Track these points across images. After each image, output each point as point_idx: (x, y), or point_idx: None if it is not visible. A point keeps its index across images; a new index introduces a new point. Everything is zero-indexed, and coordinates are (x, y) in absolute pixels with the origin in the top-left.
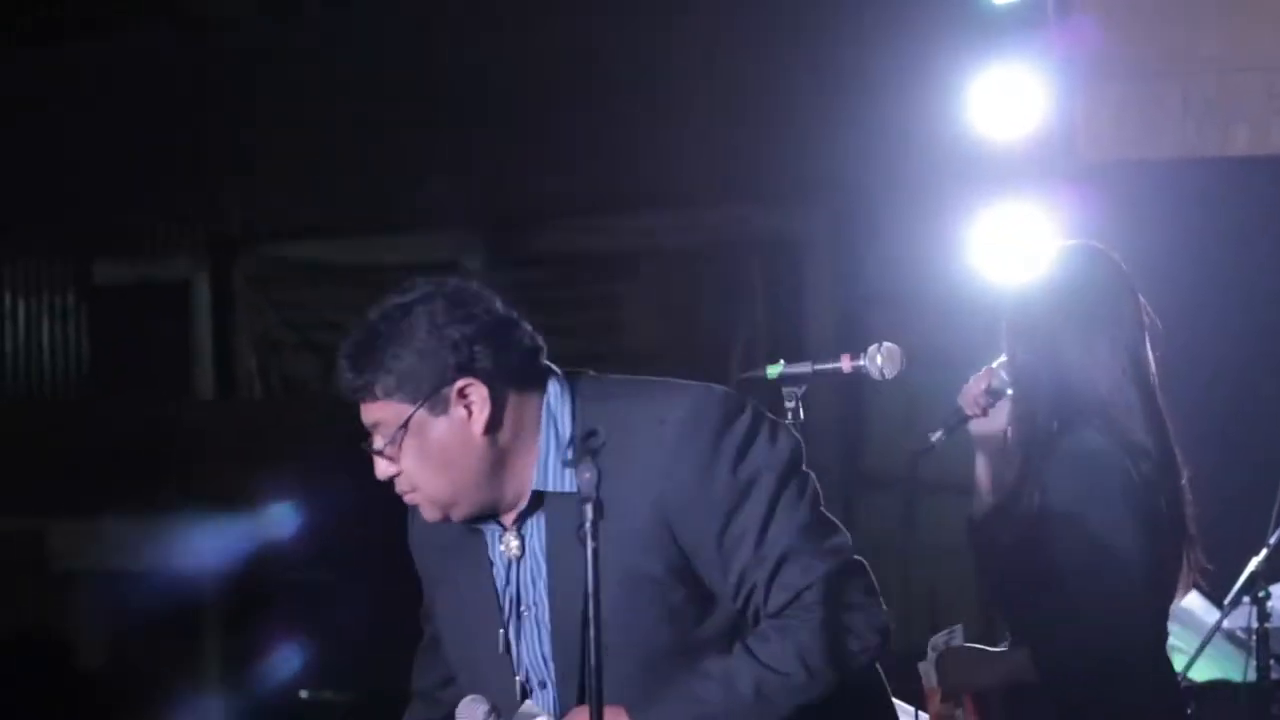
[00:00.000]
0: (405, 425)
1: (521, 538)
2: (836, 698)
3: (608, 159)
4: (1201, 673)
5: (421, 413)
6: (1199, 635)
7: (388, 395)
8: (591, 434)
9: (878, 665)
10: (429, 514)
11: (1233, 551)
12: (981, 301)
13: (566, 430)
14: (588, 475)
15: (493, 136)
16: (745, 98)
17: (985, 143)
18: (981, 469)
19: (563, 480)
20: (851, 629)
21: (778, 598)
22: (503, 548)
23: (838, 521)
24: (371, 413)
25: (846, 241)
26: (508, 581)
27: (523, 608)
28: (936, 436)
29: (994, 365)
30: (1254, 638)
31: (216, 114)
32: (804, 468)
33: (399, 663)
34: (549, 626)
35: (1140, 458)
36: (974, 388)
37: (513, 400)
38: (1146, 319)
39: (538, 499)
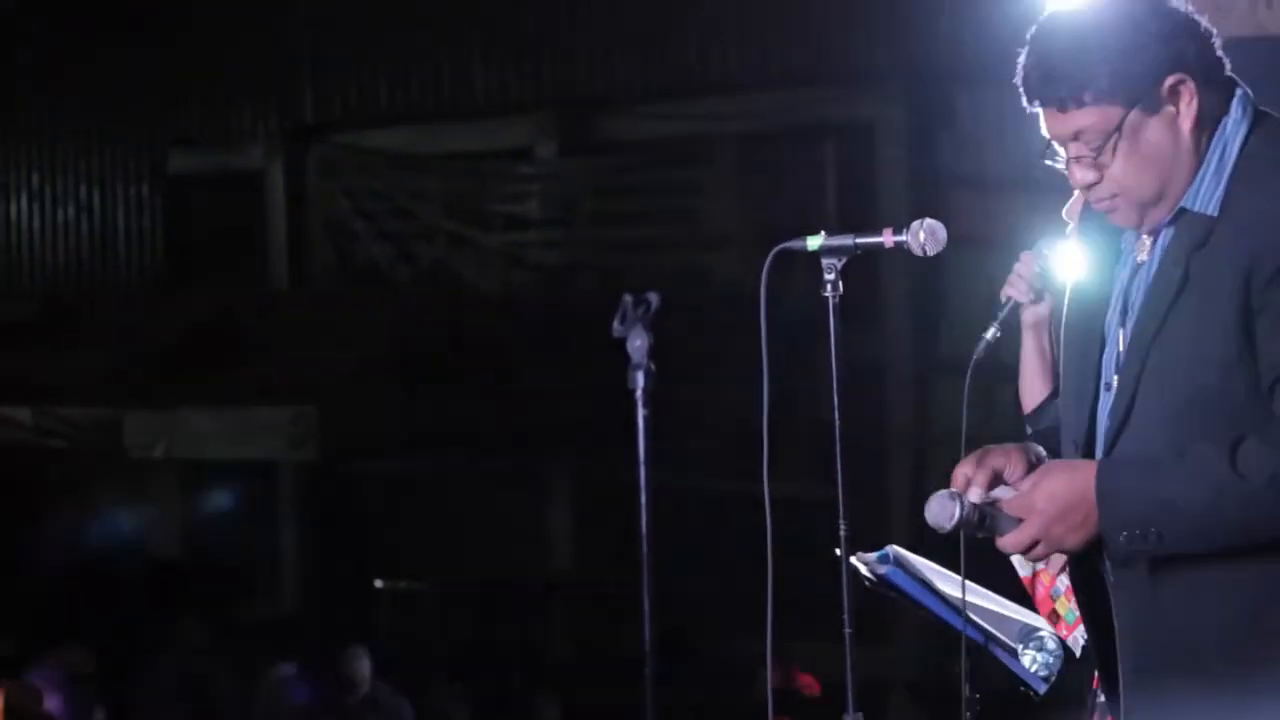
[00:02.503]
0: (1119, 128)
1: (1153, 244)
2: None
3: (681, 43)
4: None
5: (1134, 113)
6: None
7: (1097, 100)
8: (1249, 161)
9: None
10: (1126, 218)
11: None
12: (1056, 184)
13: (1231, 155)
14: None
15: (566, 21)
16: None
17: None
18: (1031, 354)
19: (1208, 202)
20: None
21: None
22: (1137, 251)
23: None
24: (1074, 120)
25: (921, 125)
26: (1127, 284)
27: (1127, 314)
28: (991, 333)
29: (1037, 248)
30: None
31: (291, 5)
32: None
33: (470, 555)
34: (1129, 333)
35: None
36: (1023, 273)
37: (1207, 103)
38: None
39: (1178, 213)
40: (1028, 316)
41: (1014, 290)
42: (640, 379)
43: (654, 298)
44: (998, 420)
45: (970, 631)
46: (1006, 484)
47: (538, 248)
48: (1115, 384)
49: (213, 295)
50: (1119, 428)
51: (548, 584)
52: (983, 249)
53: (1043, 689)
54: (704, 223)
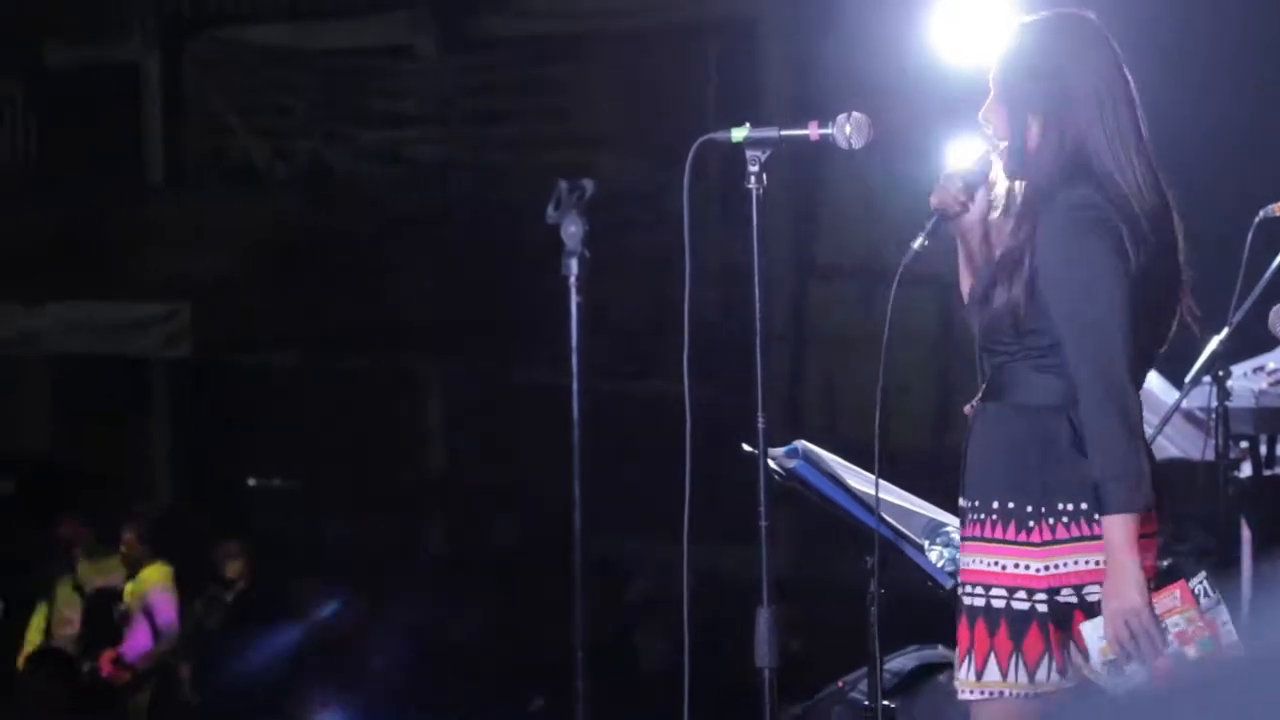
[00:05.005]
0: None
1: None
2: None
3: None
4: (1160, 451)
5: None
6: (1158, 415)
7: None
8: None
9: None
10: None
11: (1192, 331)
12: (941, 87)
13: None
14: None
15: None
16: None
17: None
18: (963, 257)
19: None
20: None
21: None
22: None
23: None
24: None
25: (805, 24)
26: None
27: None
28: (919, 242)
29: (949, 176)
30: (1213, 417)
31: None
32: None
33: (343, 453)
34: None
35: (1131, 214)
36: (949, 188)
37: None
38: (1135, 93)
39: None
40: (951, 228)
41: (944, 203)
42: (574, 266)
43: (589, 184)
44: (877, 320)
45: (882, 528)
46: None
47: (415, 145)
48: None
49: (86, 190)
50: None
51: (419, 482)
52: (863, 154)
53: (949, 584)
54: (583, 121)
